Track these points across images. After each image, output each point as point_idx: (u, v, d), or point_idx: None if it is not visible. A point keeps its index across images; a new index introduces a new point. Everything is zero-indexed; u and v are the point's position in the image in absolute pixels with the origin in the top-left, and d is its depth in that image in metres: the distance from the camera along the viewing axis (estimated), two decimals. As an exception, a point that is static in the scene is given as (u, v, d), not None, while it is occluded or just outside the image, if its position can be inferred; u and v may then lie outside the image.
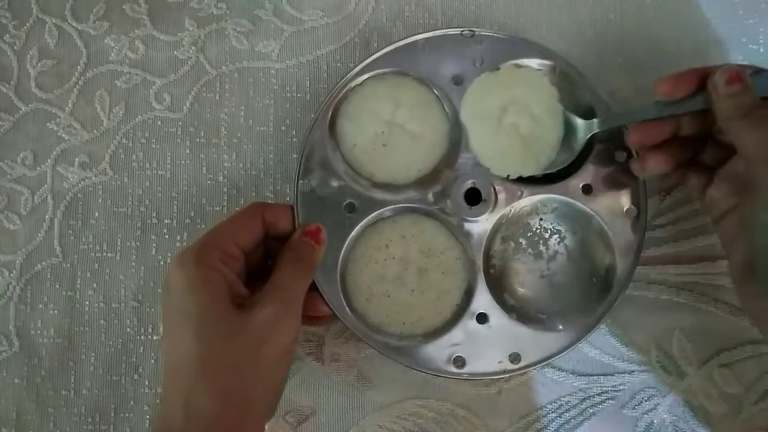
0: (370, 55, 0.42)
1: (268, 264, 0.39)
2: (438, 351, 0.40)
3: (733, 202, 0.37)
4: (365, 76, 0.42)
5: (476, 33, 0.42)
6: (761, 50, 0.46)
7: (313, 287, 0.40)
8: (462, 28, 0.43)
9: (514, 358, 0.40)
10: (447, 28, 0.43)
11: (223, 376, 0.33)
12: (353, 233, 0.41)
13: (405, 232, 0.42)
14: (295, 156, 0.45)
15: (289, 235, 0.40)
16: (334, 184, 0.41)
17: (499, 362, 0.40)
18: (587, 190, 0.41)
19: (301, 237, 0.39)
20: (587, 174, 0.41)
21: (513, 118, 0.40)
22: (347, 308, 0.40)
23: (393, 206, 0.42)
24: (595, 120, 0.40)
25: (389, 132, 0.42)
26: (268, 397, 0.36)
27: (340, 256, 0.41)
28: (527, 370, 0.41)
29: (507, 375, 0.41)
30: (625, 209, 0.41)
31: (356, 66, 0.42)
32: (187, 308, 0.34)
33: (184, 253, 0.36)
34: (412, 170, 0.42)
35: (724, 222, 0.38)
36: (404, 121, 0.42)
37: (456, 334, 0.40)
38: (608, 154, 0.41)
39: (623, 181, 0.41)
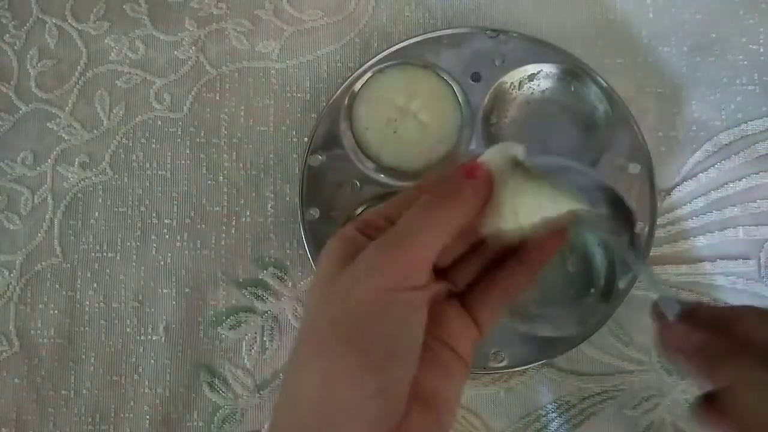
0: (395, 44, 0.43)
1: None
2: None
3: None
4: (386, 65, 0.43)
5: (500, 34, 0.43)
6: (761, 50, 0.46)
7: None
8: (487, 28, 0.43)
9: (497, 356, 0.40)
10: (473, 27, 0.43)
11: (320, 333, 0.26)
12: (354, 213, 0.42)
13: None
14: (295, 156, 0.45)
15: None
16: (342, 162, 0.42)
17: (482, 358, 0.40)
18: None
19: (456, 171, 0.28)
20: None
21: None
22: None
23: (396, 190, 0.42)
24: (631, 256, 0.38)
25: (401, 119, 0.43)
26: (360, 366, 0.25)
27: None
28: (508, 371, 0.41)
29: (486, 372, 0.41)
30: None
31: (378, 54, 0.43)
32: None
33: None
34: (419, 159, 0.43)
35: None
36: (417, 111, 0.43)
37: None
38: (620, 166, 0.42)
39: (635, 196, 0.41)
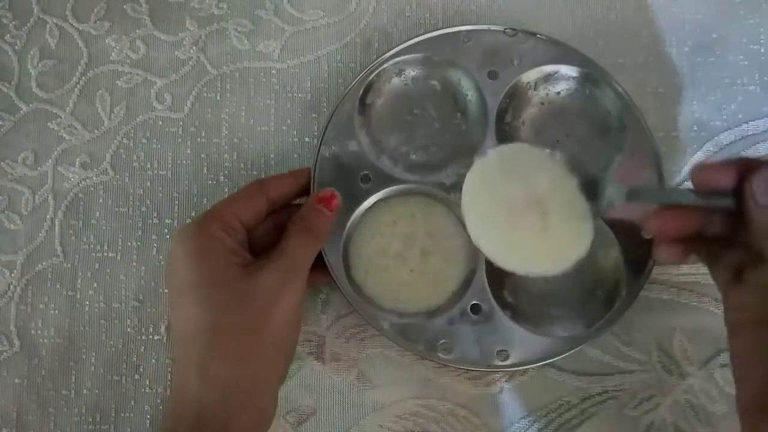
0: (411, 38, 0.43)
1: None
2: (427, 334, 0.40)
3: (764, 313, 0.31)
4: (401, 59, 0.43)
5: (518, 32, 0.43)
6: (762, 50, 0.46)
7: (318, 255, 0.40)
8: (506, 26, 0.43)
9: (502, 355, 0.40)
10: (491, 24, 0.43)
11: (235, 342, 0.34)
12: (364, 204, 0.42)
13: (415, 212, 0.42)
14: (296, 155, 0.45)
15: (300, 195, 0.40)
16: (354, 153, 0.42)
17: (486, 356, 0.40)
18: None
19: (314, 204, 0.39)
20: None
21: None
22: (345, 276, 0.41)
23: (407, 185, 0.42)
24: (608, 198, 0.34)
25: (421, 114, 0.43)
26: (279, 361, 0.37)
27: (348, 224, 0.41)
28: (513, 369, 0.41)
29: (492, 370, 0.41)
30: (642, 230, 0.41)
31: (395, 47, 0.43)
32: (193, 278, 0.35)
33: (184, 227, 0.36)
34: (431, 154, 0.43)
35: (742, 332, 0.32)
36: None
37: (448, 320, 0.40)
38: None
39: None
